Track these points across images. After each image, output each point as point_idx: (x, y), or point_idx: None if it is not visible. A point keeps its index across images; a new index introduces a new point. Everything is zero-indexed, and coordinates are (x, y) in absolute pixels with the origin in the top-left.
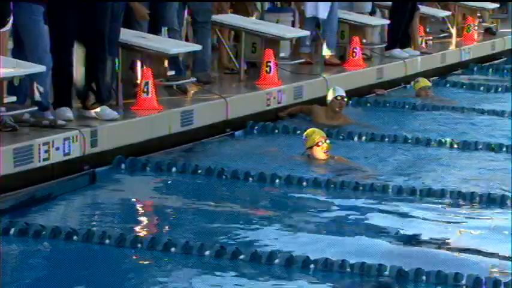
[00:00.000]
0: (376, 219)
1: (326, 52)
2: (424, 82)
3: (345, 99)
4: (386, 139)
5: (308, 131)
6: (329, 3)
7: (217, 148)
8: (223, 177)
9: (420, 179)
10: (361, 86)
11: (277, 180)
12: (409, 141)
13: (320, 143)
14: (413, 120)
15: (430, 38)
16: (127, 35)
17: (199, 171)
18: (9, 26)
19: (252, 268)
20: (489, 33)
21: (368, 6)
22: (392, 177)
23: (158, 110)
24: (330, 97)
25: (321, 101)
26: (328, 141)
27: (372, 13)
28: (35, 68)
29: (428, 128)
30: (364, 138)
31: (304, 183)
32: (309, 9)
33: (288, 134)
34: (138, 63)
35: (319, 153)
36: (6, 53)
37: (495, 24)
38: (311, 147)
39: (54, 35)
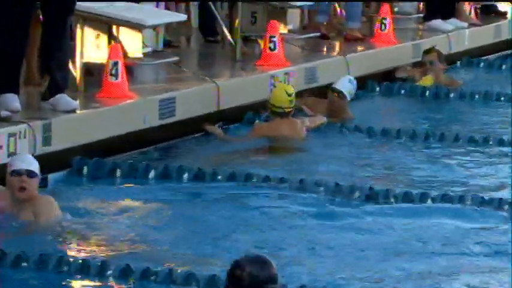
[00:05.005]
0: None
1: (348, 25)
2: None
3: (341, 95)
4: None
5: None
6: None
7: (206, 147)
8: (217, 181)
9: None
10: (392, 67)
11: (284, 184)
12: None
13: None
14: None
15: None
16: (90, 2)
17: (185, 176)
18: None
19: None
20: None
21: None
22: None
23: (130, 98)
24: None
25: None
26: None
27: None
28: None
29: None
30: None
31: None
32: None
33: None
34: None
35: None
36: None
37: None
38: None
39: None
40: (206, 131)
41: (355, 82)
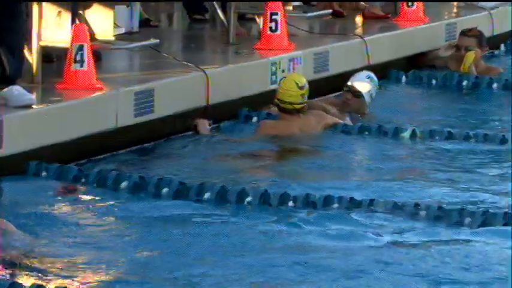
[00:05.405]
0: None
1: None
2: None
3: (357, 94)
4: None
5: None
6: None
7: (194, 150)
8: (204, 197)
9: None
10: (421, 51)
11: (290, 203)
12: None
13: None
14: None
15: None
16: None
17: (165, 190)
18: None
19: None
20: None
21: None
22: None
23: (99, 90)
24: None
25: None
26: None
27: None
28: None
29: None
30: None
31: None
32: None
33: None
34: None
35: None
36: None
37: None
38: None
39: None
40: (195, 130)
41: (375, 79)
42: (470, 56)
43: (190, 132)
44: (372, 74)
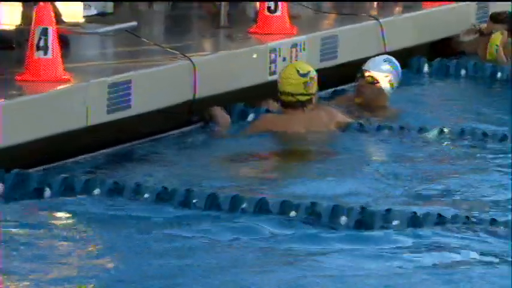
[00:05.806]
0: None
1: None
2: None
3: (371, 79)
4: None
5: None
6: None
7: (176, 152)
8: (193, 205)
9: None
10: (447, 36)
11: (292, 212)
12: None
13: None
14: None
15: None
16: None
17: (146, 196)
18: None
19: None
20: None
21: None
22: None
23: (66, 82)
24: None
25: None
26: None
27: None
28: None
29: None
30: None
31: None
32: None
33: None
34: None
35: None
36: None
37: None
38: None
39: None
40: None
41: (397, 64)
42: (497, 38)
43: (175, 132)
44: (393, 58)
